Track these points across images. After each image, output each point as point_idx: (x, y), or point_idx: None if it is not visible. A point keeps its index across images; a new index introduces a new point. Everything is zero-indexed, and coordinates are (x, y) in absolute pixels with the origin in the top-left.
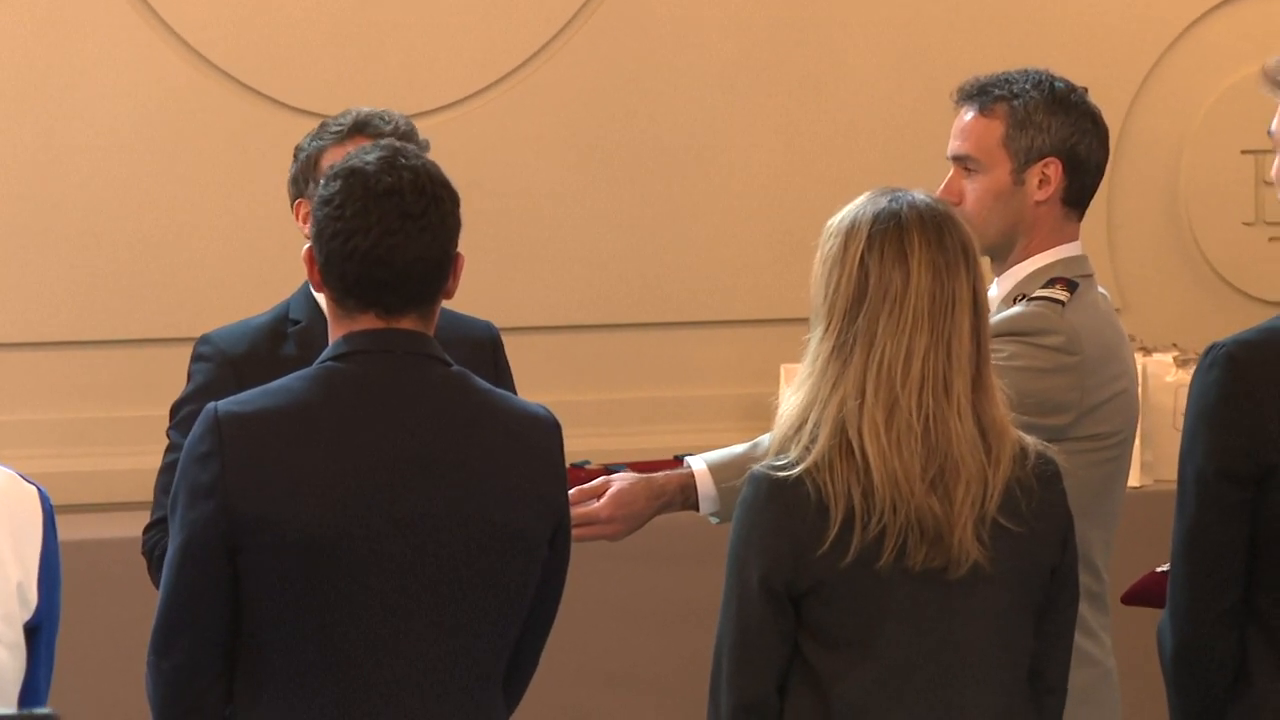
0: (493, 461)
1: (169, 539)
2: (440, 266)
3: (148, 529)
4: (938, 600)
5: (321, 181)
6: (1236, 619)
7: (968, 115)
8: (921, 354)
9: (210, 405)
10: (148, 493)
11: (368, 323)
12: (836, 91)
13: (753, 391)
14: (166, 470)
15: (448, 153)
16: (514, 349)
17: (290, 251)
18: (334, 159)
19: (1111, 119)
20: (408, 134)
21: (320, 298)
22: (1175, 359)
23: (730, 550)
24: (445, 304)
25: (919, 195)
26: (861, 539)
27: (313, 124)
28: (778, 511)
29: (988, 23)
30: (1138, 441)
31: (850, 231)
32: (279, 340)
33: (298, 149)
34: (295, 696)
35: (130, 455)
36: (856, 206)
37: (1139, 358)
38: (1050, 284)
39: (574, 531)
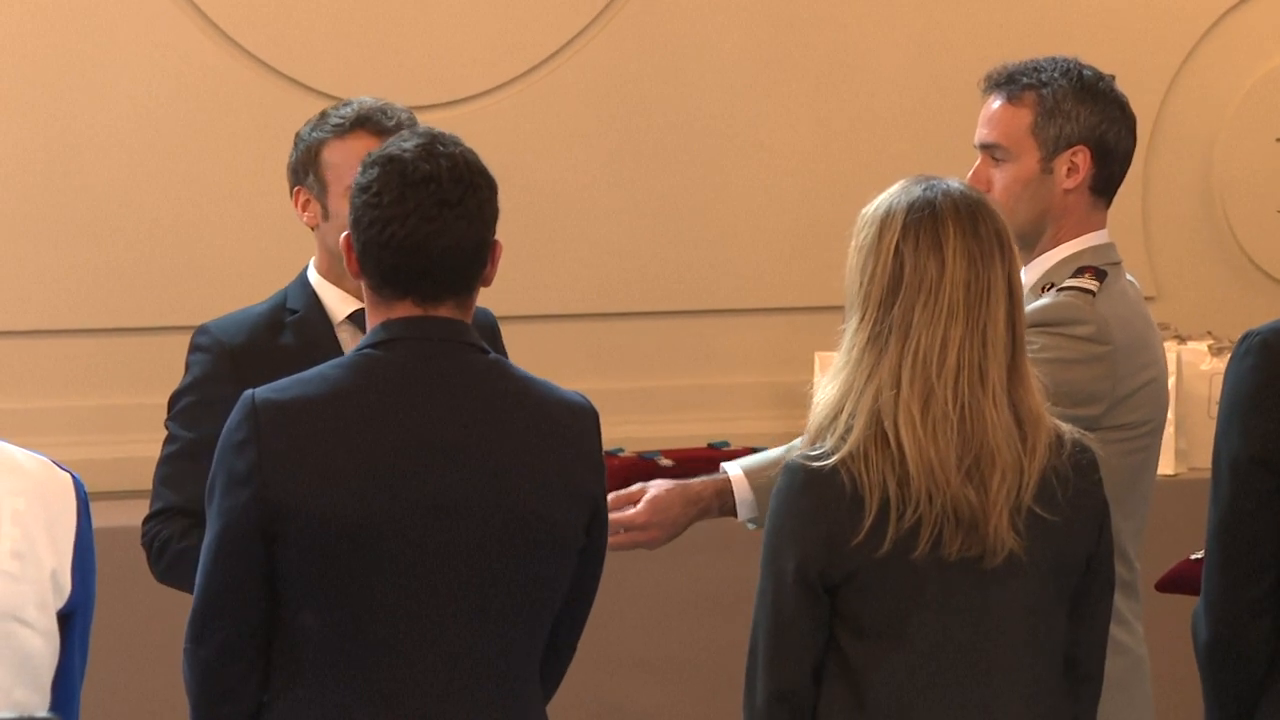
0: (528, 449)
1: (205, 527)
2: (478, 254)
3: (147, 520)
4: (972, 590)
5: (359, 168)
6: (1271, 606)
7: (995, 103)
8: (957, 344)
9: (248, 393)
10: (135, 482)
11: (405, 310)
12: (863, 79)
13: (785, 380)
14: (166, 461)
15: (478, 144)
16: (547, 336)
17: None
18: (335, 153)
19: (1146, 108)
20: (411, 124)
21: (318, 285)
22: (1210, 347)
23: (765, 540)
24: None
25: (954, 183)
26: (897, 529)
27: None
28: (813, 502)
29: (1018, 11)
30: (1171, 429)
31: (885, 220)
32: (277, 330)
33: (297, 137)
34: (330, 683)
35: (118, 444)
36: (891, 195)
37: (1173, 346)
38: (1079, 273)
39: (611, 540)
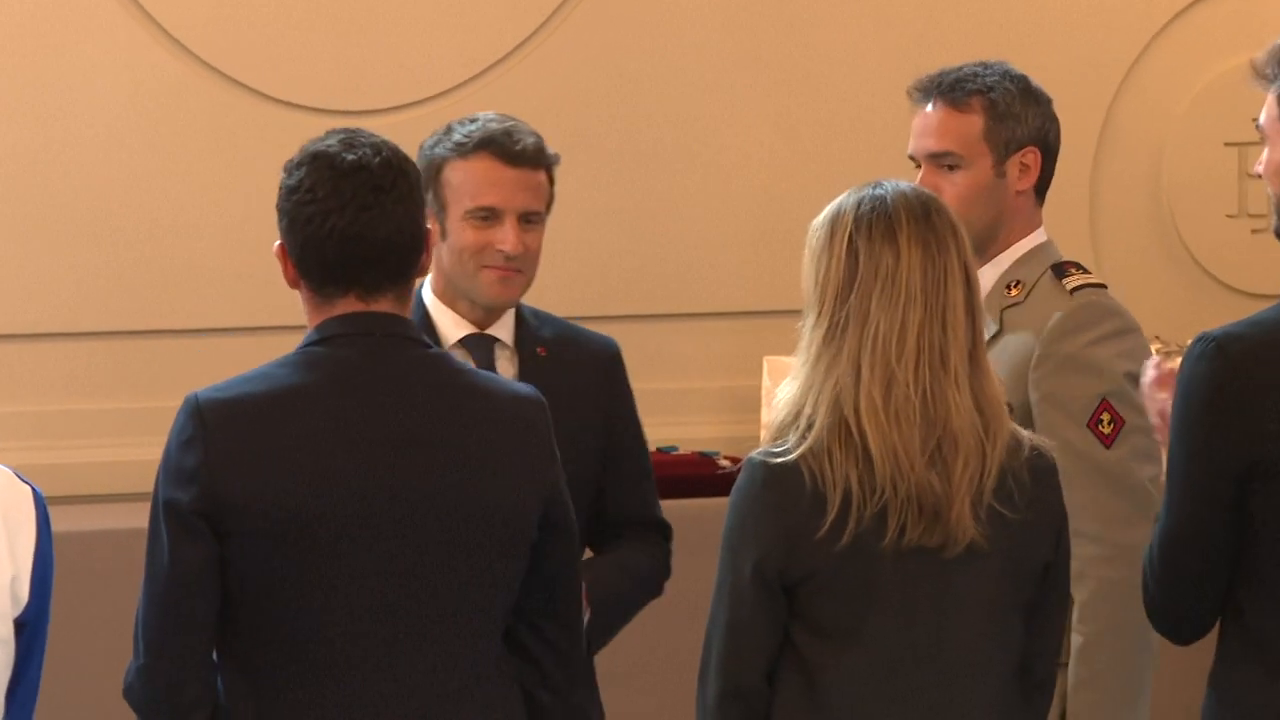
0: (476, 440)
1: (150, 532)
2: (415, 239)
3: None
4: (931, 587)
5: (283, 173)
6: (1213, 619)
7: (936, 111)
8: (916, 327)
9: (191, 394)
10: (130, 485)
11: (346, 306)
12: (823, 83)
13: (735, 384)
14: None
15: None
16: None
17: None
18: (456, 173)
19: (1094, 111)
20: (538, 149)
21: (432, 306)
22: (1157, 350)
23: (724, 536)
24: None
25: (901, 183)
26: (858, 523)
27: (300, 118)
28: (773, 499)
29: (974, 16)
30: None
31: (836, 219)
32: None
33: (421, 148)
34: (285, 682)
35: (114, 447)
36: (839, 199)
37: None
38: (1062, 270)
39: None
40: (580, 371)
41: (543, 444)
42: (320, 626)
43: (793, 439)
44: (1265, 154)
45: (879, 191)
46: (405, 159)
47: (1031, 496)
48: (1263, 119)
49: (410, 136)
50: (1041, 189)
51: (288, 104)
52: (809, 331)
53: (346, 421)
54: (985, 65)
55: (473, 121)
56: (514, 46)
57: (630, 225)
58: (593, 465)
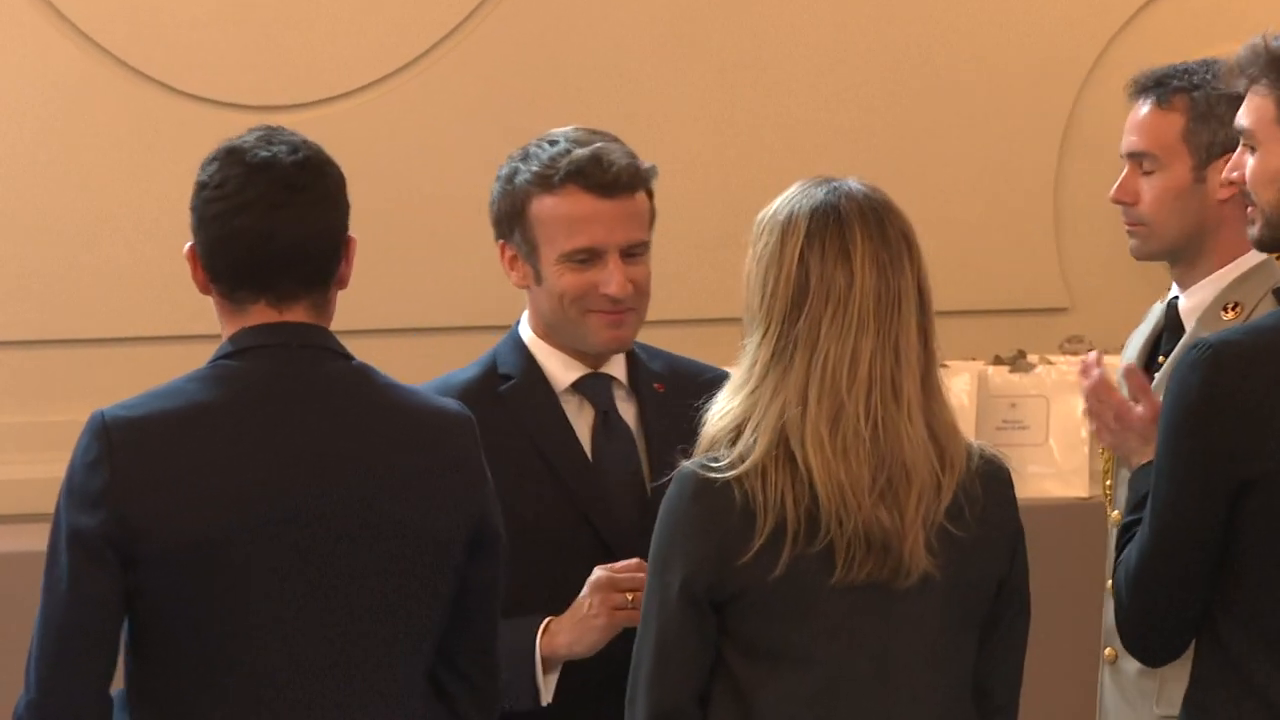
0: (396, 459)
1: (49, 558)
2: (331, 246)
3: None
4: (873, 611)
5: (199, 168)
6: (1193, 631)
7: (1144, 109)
8: (868, 356)
9: (97, 411)
10: (31, 504)
11: (259, 316)
12: (767, 76)
13: None
14: None
15: (347, 146)
16: (419, 351)
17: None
18: (544, 209)
19: (1058, 106)
20: (633, 171)
21: (535, 347)
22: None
23: (652, 550)
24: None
25: (854, 184)
26: (793, 552)
27: (217, 114)
28: (702, 513)
29: (928, 8)
30: (1085, 449)
31: (787, 227)
32: (489, 400)
33: (500, 177)
34: (201, 715)
35: (15, 464)
36: (790, 199)
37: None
38: None
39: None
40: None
41: (470, 463)
42: (235, 656)
43: (727, 456)
44: (1251, 160)
45: (832, 198)
46: (327, 161)
47: (984, 511)
48: (1247, 121)
49: (334, 132)
50: None
51: (203, 99)
52: (754, 350)
53: (261, 440)
54: (1203, 62)
55: (552, 144)
56: (441, 37)
57: None
58: None
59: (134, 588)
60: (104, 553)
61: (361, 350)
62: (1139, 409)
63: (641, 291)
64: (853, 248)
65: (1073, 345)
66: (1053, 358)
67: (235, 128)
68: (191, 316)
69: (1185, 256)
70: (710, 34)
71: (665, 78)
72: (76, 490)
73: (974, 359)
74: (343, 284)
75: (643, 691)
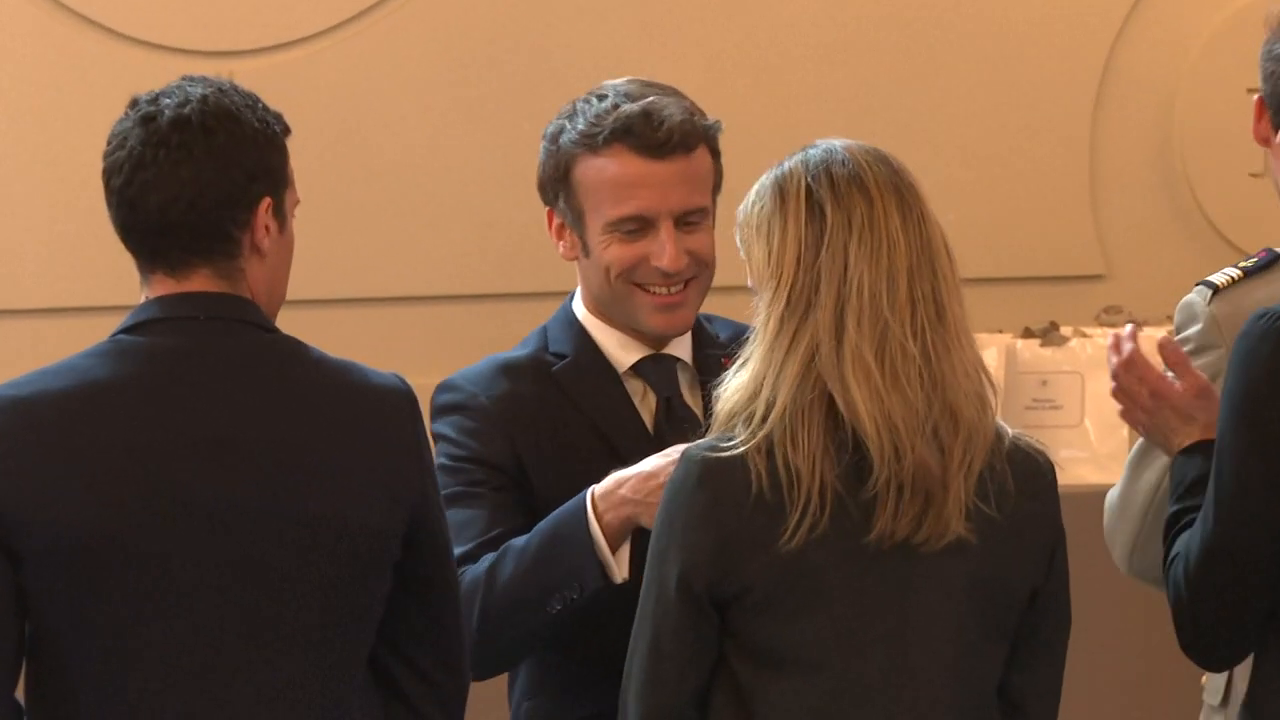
0: (318, 442)
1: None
2: (214, 209)
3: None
4: (890, 608)
5: None
6: (1254, 641)
7: None
8: (906, 274)
9: None
10: None
11: (161, 286)
12: (771, 22)
13: None
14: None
15: (299, 95)
16: (388, 322)
17: None
18: (589, 172)
19: (1093, 56)
20: (688, 127)
21: (590, 325)
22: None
23: (652, 540)
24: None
25: (837, 139)
26: (821, 522)
27: (156, 58)
28: (707, 500)
29: None
30: (1124, 432)
31: (783, 182)
32: (543, 381)
33: (545, 137)
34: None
35: None
36: (773, 172)
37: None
38: None
39: None
40: None
41: (406, 446)
42: (134, 662)
43: (743, 430)
44: None
45: (825, 147)
46: (226, 115)
47: (1015, 505)
48: None
49: (283, 82)
50: None
51: (143, 43)
52: (764, 309)
53: (160, 423)
54: None
55: (601, 98)
56: None
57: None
58: None
59: (23, 588)
60: None
61: (299, 322)
62: (1178, 385)
63: (702, 262)
64: (864, 175)
65: (1110, 316)
66: (1088, 330)
67: (175, 76)
68: (103, 288)
69: None
70: None
71: (648, 17)
72: None
73: (1000, 331)
74: (258, 251)
75: (635, 694)
